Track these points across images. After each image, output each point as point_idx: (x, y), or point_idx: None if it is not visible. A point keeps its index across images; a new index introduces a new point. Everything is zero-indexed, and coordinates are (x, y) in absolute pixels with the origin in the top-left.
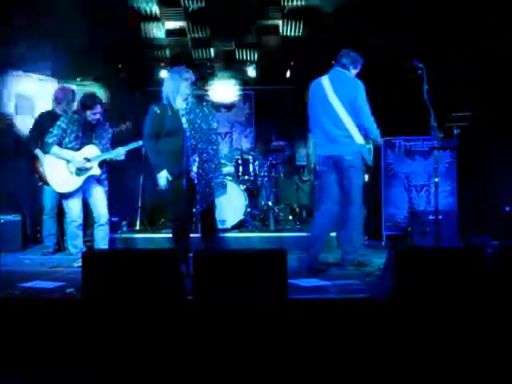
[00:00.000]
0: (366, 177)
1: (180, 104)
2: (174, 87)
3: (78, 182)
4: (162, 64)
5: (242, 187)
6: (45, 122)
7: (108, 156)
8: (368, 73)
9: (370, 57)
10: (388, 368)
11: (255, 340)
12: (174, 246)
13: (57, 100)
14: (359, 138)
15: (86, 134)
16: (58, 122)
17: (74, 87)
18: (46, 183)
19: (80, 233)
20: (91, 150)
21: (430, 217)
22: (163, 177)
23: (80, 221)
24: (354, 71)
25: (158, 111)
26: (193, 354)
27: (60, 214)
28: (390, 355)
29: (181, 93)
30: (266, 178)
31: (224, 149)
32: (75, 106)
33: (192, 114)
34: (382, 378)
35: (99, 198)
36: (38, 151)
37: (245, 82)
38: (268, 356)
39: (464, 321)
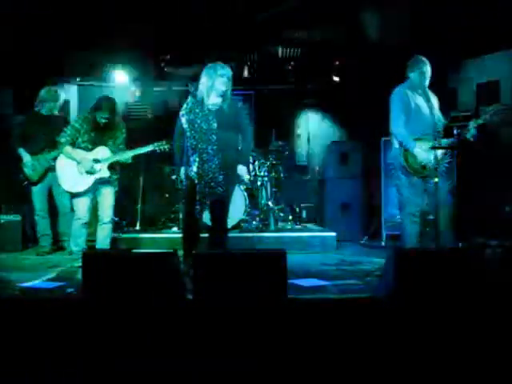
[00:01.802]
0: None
1: (214, 101)
2: (209, 83)
3: (86, 182)
4: (162, 64)
5: (242, 187)
6: (29, 122)
7: (118, 158)
8: (369, 72)
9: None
10: (388, 368)
11: (255, 340)
12: (183, 246)
13: (41, 101)
14: (395, 143)
15: (99, 134)
16: (72, 122)
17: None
18: (32, 183)
19: (84, 231)
20: (102, 152)
21: (430, 217)
22: (181, 175)
23: (86, 219)
24: (412, 74)
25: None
26: (193, 354)
27: (53, 213)
28: (390, 355)
29: (215, 89)
30: (266, 178)
31: None
32: (59, 106)
33: (192, 114)
34: (382, 377)
35: (106, 198)
36: (21, 151)
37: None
38: (268, 356)
39: (464, 321)
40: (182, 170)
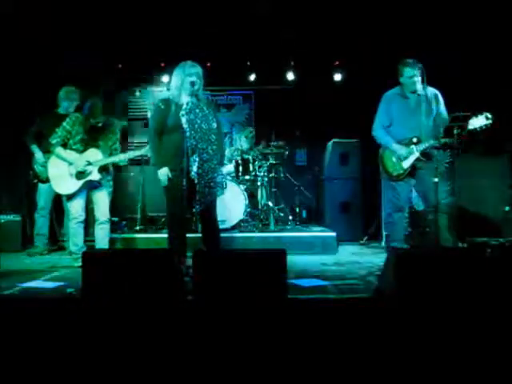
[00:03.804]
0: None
1: (186, 100)
2: (178, 83)
3: (76, 185)
4: (162, 64)
5: (242, 187)
6: (46, 121)
7: (109, 161)
8: (369, 73)
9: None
10: (388, 368)
11: (255, 340)
12: (169, 247)
13: (59, 100)
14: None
15: (91, 135)
16: (64, 123)
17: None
18: (41, 181)
19: (81, 231)
20: (94, 154)
21: (430, 217)
22: (164, 174)
23: (81, 218)
24: (401, 79)
25: (163, 107)
26: (193, 354)
27: (57, 213)
28: (390, 355)
29: (184, 88)
30: (266, 178)
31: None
32: (75, 105)
33: (192, 114)
34: (382, 377)
35: (100, 199)
36: (33, 147)
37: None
38: (268, 356)
39: (464, 321)
40: (166, 169)
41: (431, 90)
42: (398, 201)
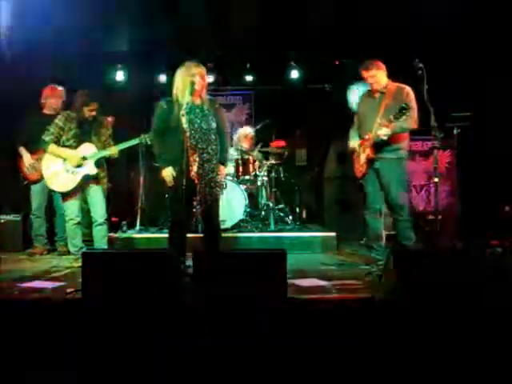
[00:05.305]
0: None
1: (187, 100)
2: (180, 83)
3: (74, 180)
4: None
5: (242, 187)
6: (32, 121)
7: (104, 154)
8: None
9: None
10: (388, 368)
11: (255, 340)
12: (168, 246)
13: (44, 100)
14: None
15: (84, 131)
16: (56, 120)
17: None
18: (32, 182)
19: (78, 231)
20: (88, 148)
21: (430, 217)
22: (169, 174)
23: (78, 219)
24: None
25: (165, 107)
26: (193, 355)
27: (52, 213)
28: (390, 355)
29: (186, 88)
30: (266, 178)
31: None
32: (61, 103)
33: (192, 114)
34: (382, 377)
35: (97, 198)
36: (21, 149)
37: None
38: (268, 356)
39: (464, 321)
40: (170, 169)
41: (399, 87)
42: (366, 197)
